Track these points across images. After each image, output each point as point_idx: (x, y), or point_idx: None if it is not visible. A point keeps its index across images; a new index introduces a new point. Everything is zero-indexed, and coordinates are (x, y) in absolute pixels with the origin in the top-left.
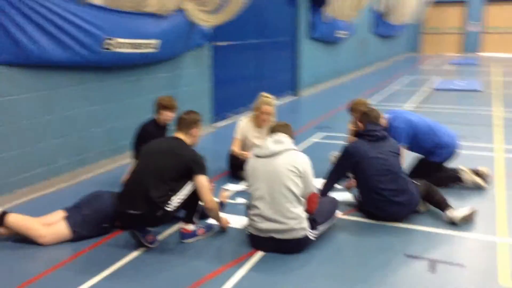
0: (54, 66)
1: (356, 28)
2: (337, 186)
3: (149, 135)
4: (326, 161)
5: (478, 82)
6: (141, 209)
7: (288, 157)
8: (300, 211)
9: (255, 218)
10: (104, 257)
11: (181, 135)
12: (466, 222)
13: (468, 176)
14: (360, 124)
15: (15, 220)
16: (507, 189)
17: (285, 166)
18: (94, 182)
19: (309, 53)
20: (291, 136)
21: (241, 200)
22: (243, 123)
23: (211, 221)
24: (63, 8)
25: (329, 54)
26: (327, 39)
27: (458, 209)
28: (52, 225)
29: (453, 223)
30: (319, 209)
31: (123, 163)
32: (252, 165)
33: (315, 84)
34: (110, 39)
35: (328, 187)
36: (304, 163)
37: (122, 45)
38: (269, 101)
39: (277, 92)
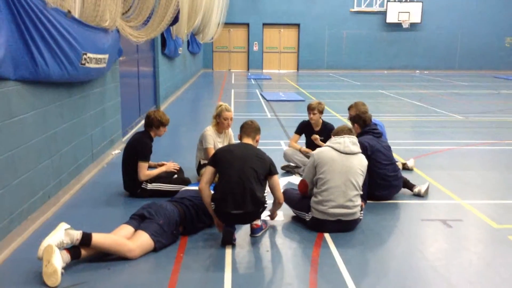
0: (45, 83)
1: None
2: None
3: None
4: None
5: (294, 93)
6: (248, 208)
7: (360, 158)
8: (360, 199)
9: (326, 204)
10: (207, 257)
11: (249, 141)
12: (427, 194)
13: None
14: (356, 125)
15: (101, 238)
16: (421, 170)
17: (358, 166)
18: (73, 204)
19: (162, 68)
20: None
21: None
22: (211, 132)
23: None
24: (60, 23)
25: (171, 69)
26: (172, 55)
27: (419, 185)
28: (134, 239)
29: (418, 195)
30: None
31: (84, 182)
32: (331, 156)
33: (165, 99)
34: (85, 54)
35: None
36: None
37: (91, 60)
38: (229, 108)
39: (147, 106)
